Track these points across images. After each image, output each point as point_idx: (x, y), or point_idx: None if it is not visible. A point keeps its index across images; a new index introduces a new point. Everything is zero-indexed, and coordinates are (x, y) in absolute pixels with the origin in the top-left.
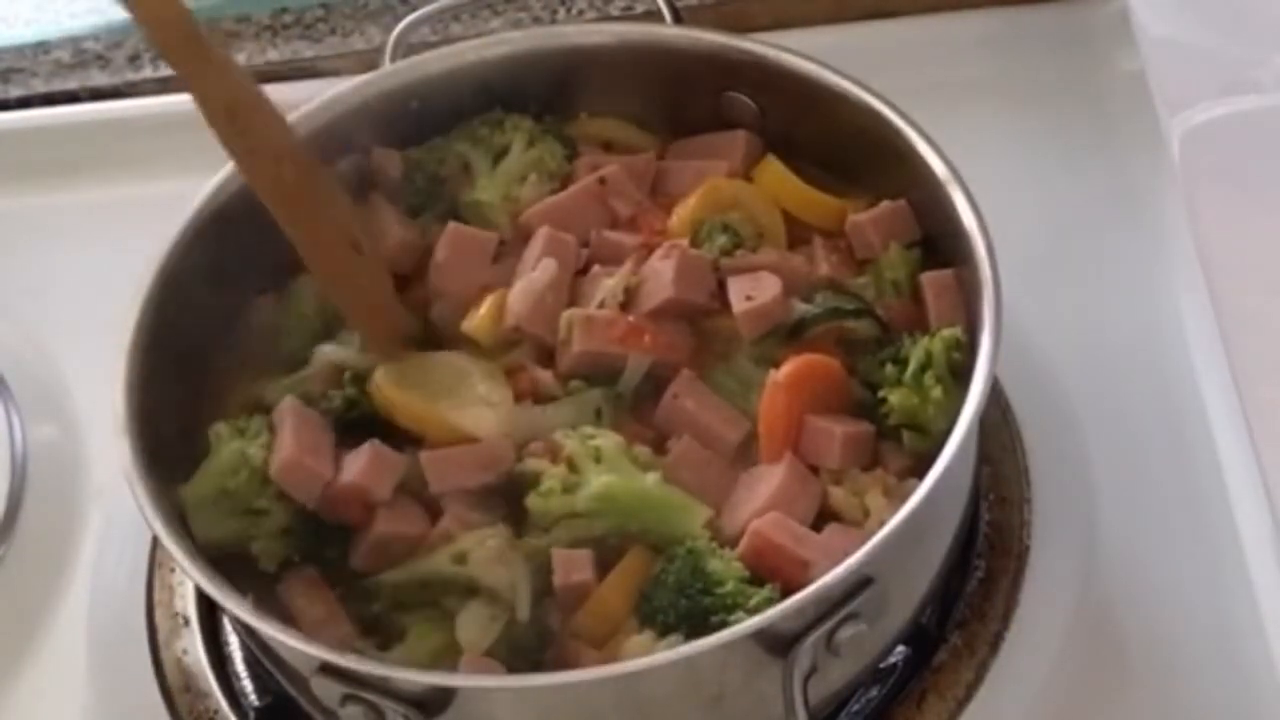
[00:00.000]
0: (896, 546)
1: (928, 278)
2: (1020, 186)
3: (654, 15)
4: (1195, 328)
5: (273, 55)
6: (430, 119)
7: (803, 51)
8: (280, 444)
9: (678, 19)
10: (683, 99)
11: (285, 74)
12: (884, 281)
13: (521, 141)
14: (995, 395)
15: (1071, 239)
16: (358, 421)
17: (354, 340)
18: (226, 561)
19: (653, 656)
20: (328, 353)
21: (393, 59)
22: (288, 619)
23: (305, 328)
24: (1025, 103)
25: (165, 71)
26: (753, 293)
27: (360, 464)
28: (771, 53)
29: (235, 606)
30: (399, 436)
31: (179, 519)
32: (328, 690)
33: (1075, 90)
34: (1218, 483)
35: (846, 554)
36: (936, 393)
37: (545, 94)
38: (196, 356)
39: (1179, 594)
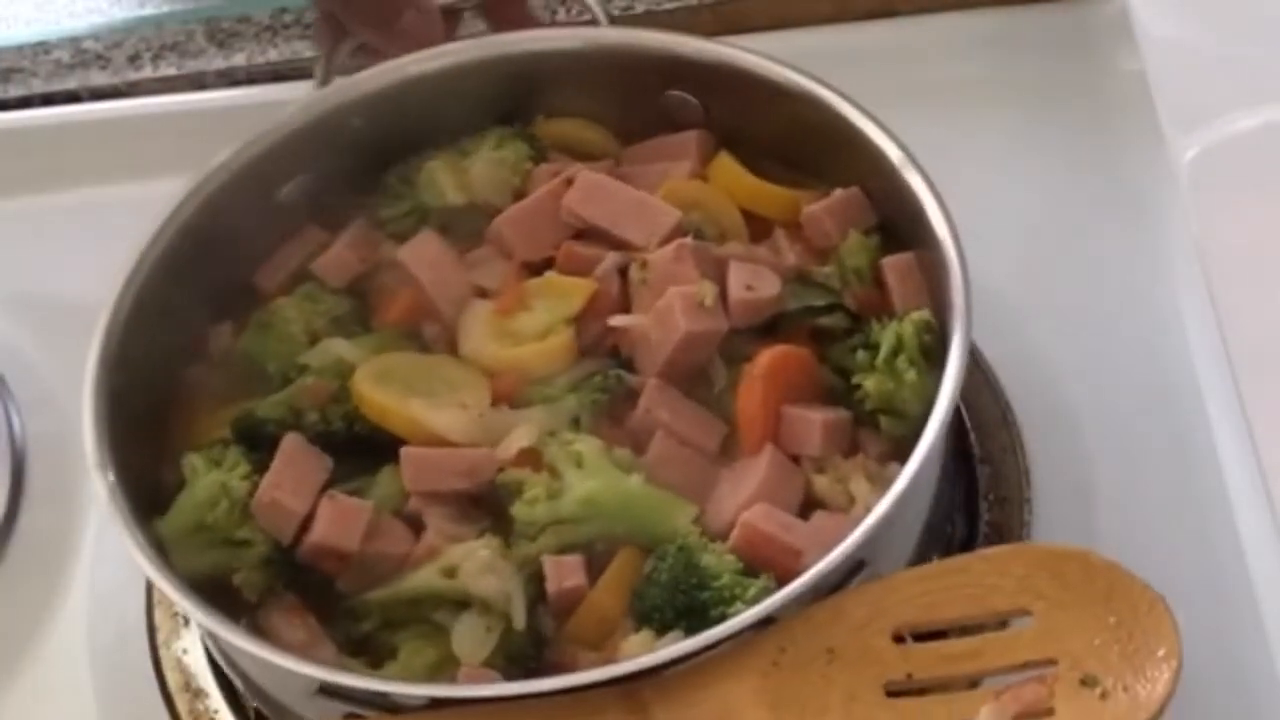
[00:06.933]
0: (887, 528)
1: (889, 262)
2: (1020, 186)
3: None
4: (1195, 328)
5: (273, 55)
6: (373, 138)
7: (749, 47)
8: (265, 480)
9: (611, 20)
10: (626, 102)
11: (285, 74)
12: (846, 269)
13: (489, 145)
14: (995, 395)
15: (1072, 239)
16: (365, 438)
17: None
18: (207, 590)
19: (660, 652)
20: (329, 347)
21: None
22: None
23: (290, 350)
24: (1025, 103)
25: (165, 71)
26: (754, 284)
27: (323, 520)
28: (710, 49)
29: (231, 635)
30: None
31: (159, 552)
32: (327, 711)
33: (1075, 90)
34: (1218, 483)
35: (837, 539)
36: (911, 376)
37: (488, 105)
38: (158, 389)
39: (1179, 594)
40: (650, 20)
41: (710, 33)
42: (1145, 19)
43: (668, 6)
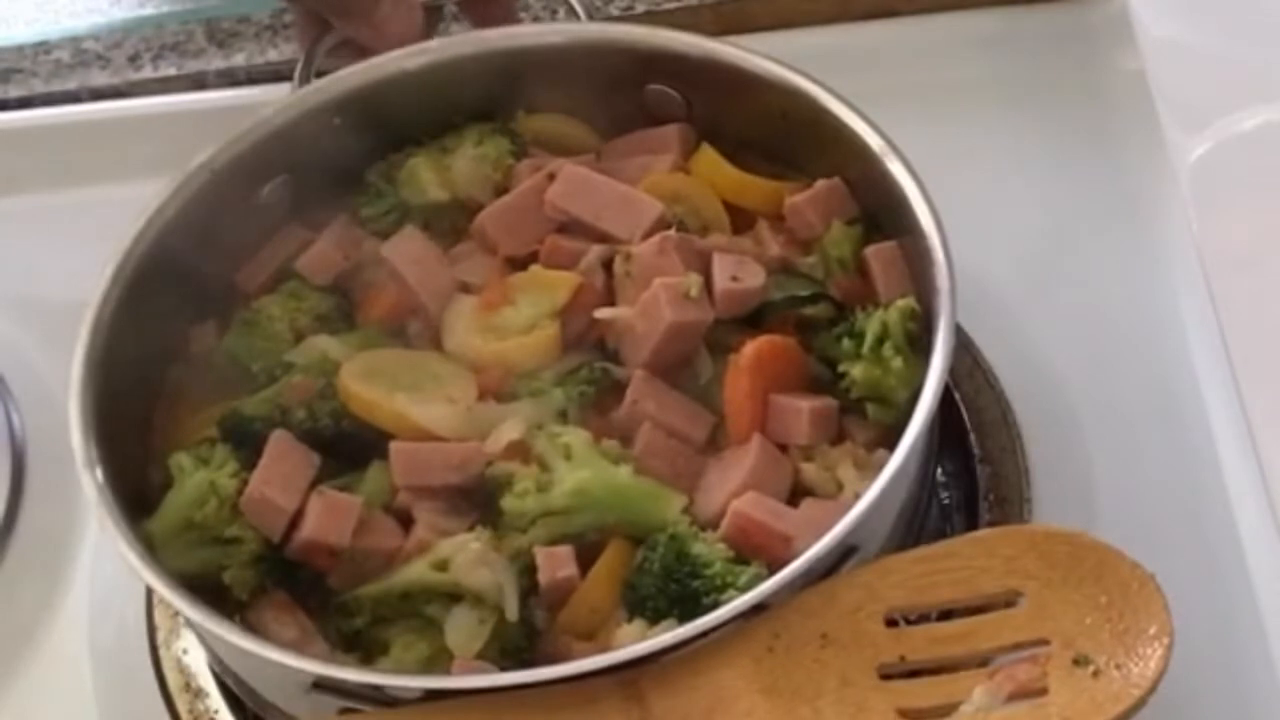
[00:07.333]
0: (877, 513)
1: (872, 251)
2: (1020, 186)
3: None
4: (1195, 328)
5: (272, 55)
6: (354, 136)
7: (739, 43)
8: (254, 476)
9: (590, 15)
10: (607, 96)
11: (285, 74)
12: (829, 259)
13: (470, 141)
14: (995, 395)
15: (1071, 239)
16: (351, 435)
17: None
18: (197, 589)
19: (655, 639)
20: (314, 344)
21: None
22: None
23: (275, 348)
24: (1025, 103)
25: (165, 71)
26: (739, 274)
27: (314, 516)
28: (690, 42)
29: (226, 632)
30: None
31: (150, 551)
32: (322, 707)
33: (1075, 90)
34: (1218, 483)
35: (827, 526)
36: (897, 363)
37: (468, 101)
38: (145, 388)
39: (1179, 594)
40: (651, 20)
41: (711, 33)
42: (1145, 19)
43: (668, 6)
